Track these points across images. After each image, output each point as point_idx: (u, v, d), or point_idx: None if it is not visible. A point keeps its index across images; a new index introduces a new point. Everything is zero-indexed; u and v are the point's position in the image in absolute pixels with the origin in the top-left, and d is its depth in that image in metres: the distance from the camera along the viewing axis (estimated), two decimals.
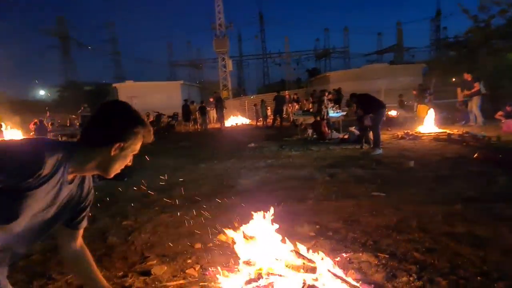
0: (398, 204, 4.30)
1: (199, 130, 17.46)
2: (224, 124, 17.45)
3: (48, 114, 16.00)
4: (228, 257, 2.90)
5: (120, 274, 2.87)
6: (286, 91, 23.76)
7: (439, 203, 4.19)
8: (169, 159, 9.00)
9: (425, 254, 2.92)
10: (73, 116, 15.65)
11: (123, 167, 1.53)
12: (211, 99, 17.52)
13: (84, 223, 1.70)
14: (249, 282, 2.43)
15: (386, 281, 2.54)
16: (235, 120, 20.85)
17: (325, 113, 11.63)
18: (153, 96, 29.67)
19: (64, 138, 13.70)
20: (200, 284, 2.62)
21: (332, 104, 13.22)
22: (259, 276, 2.46)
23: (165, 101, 28.75)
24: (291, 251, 2.53)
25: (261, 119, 17.62)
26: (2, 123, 13.89)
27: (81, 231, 1.70)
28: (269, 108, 18.49)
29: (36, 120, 13.03)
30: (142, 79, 34.75)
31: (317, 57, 63.71)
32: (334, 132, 11.42)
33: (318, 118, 11.42)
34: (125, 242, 3.57)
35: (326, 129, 11.40)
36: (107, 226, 4.07)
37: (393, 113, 16.64)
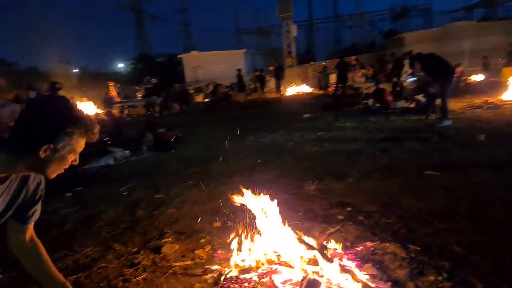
0: (452, 185, 3.75)
1: (256, 99, 17.32)
2: (282, 93, 17.06)
3: (112, 85, 16.83)
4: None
5: (134, 250, 2.88)
6: (353, 57, 22.32)
7: (502, 188, 3.55)
8: (220, 130, 9.01)
9: (466, 248, 2.47)
10: (136, 88, 16.50)
11: (64, 168, 1.42)
12: (270, 68, 17.12)
13: (34, 218, 1.64)
14: (247, 271, 2.26)
15: (408, 278, 2.18)
16: (297, 88, 20.25)
17: (400, 80, 10.63)
18: (217, 65, 30.00)
19: (127, 110, 14.59)
20: (206, 266, 2.52)
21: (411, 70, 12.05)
22: (257, 266, 2.28)
23: (229, 70, 28.95)
24: (296, 238, 2.29)
25: (323, 87, 16.89)
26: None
27: (31, 225, 1.65)
28: (332, 75, 17.60)
29: (109, 93, 14.00)
30: (209, 49, 35.19)
31: (394, 17, 58.45)
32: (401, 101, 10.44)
33: (386, 86, 10.52)
34: (150, 216, 3.60)
35: (390, 97, 10.49)
36: (140, 199, 4.16)
37: (477, 77, 14.78)
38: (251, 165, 5.27)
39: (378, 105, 10.53)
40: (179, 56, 32.89)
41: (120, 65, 55.52)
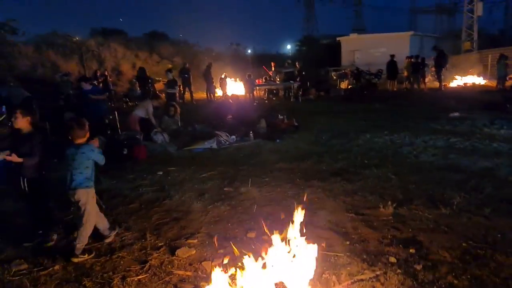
0: None
1: (407, 90, 15.32)
2: (444, 85, 14.56)
3: (274, 66, 17.29)
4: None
5: (159, 244, 2.91)
6: None
7: None
8: (344, 122, 8.35)
9: None
10: (278, 70, 16.75)
11: None
12: (436, 50, 14.72)
13: None
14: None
15: None
16: (466, 79, 16.96)
17: None
18: (377, 49, 27.95)
19: (263, 92, 14.97)
20: (200, 283, 2.32)
21: None
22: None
23: (393, 53, 26.53)
24: None
25: (498, 79, 13.61)
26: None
27: None
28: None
29: (248, 74, 14.73)
30: (381, 30, 32.75)
31: None
32: None
33: None
34: (203, 210, 3.58)
35: None
36: (209, 189, 4.18)
37: None
38: (340, 170, 4.66)
39: None
40: (337, 38, 31.94)
41: (288, 47, 57.49)
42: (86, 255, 2.75)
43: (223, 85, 16.08)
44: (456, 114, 8.48)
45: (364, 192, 3.81)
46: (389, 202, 3.39)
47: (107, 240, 2.99)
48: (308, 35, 58.11)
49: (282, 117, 8.63)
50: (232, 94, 13.33)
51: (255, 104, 13.43)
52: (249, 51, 44.64)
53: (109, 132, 6.71)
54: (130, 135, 6.27)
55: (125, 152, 5.60)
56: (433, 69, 15.53)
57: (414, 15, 62.23)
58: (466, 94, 12.64)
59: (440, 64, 14.70)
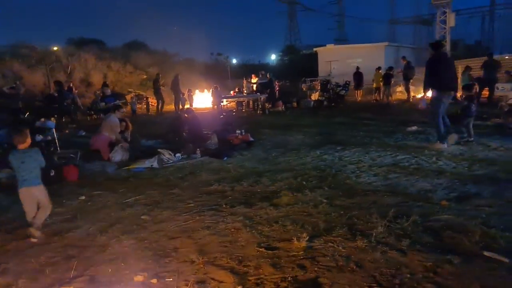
0: None
1: (376, 101, 15.33)
2: (412, 96, 14.59)
3: (244, 80, 17.23)
4: None
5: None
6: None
7: None
8: (300, 137, 8.15)
9: None
10: (248, 81, 16.54)
11: None
12: (403, 61, 14.73)
13: None
14: None
15: None
16: None
17: None
18: (353, 60, 28.15)
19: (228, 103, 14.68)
20: None
21: None
22: None
23: (367, 65, 26.72)
24: None
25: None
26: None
27: None
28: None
29: (215, 85, 14.51)
30: (361, 41, 32.90)
31: None
32: None
33: None
34: (102, 246, 3.23)
35: None
36: (124, 218, 3.84)
37: None
38: (273, 193, 4.39)
39: None
40: (314, 49, 32.12)
41: (273, 57, 57.34)
42: None
43: (190, 97, 15.80)
44: (414, 127, 8.38)
45: (286, 220, 3.53)
46: (305, 234, 3.11)
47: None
48: (290, 45, 58.60)
49: (239, 131, 8.39)
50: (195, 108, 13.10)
51: (221, 117, 13.17)
52: (234, 60, 44.45)
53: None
54: (63, 154, 5.89)
55: (52, 174, 5.21)
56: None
57: (393, 26, 63.47)
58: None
59: (407, 76, 14.75)
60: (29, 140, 3.52)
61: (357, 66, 15.36)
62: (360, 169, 5.29)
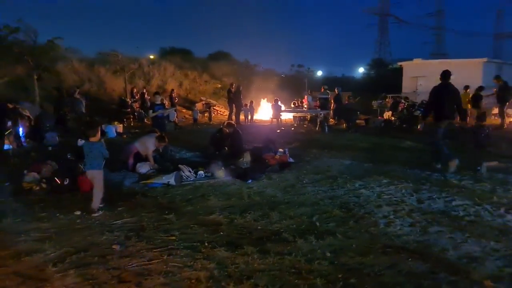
0: None
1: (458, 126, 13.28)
2: (507, 122, 12.31)
3: (306, 94, 16.59)
4: None
5: None
6: None
7: None
8: (345, 163, 7.17)
9: None
10: (312, 95, 15.58)
11: None
12: (497, 81, 12.51)
13: None
14: None
15: None
16: None
17: None
18: None
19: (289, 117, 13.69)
20: None
21: None
22: None
23: (460, 82, 23.82)
24: None
25: None
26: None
27: None
28: None
29: (276, 98, 13.96)
30: (462, 56, 29.71)
31: None
32: None
33: None
34: (45, 281, 2.87)
35: None
36: (95, 245, 3.47)
37: None
38: (273, 234, 3.66)
39: None
40: (399, 63, 29.80)
41: (361, 70, 55.01)
42: None
43: (251, 109, 15.49)
44: (494, 163, 6.80)
45: (262, 278, 2.79)
46: None
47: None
48: (377, 58, 55.65)
49: (282, 150, 7.73)
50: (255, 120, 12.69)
51: (278, 131, 12.59)
52: (319, 72, 43.66)
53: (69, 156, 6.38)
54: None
55: (66, 182, 5.16)
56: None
57: (498, 41, 56.62)
58: None
59: (503, 98, 12.53)
60: (98, 135, 4.46)
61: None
62: (397, 213, 4.25)
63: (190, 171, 5.86)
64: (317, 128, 12.58)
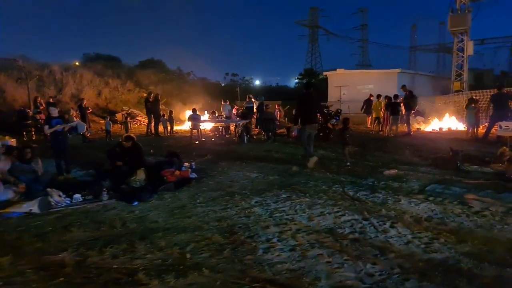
0: None
1: (377, 133, 13.90)
2: (414, 129, 13.01)
3: (223, 102, 16.40)
4: None
5: None
6: None
7: None
8: (254, 176, 6.81)
9: None
10: (235, 105, 15.43)
11: None
12: (404, 91, 13.25)
13: None
14: None
15: None
16: (446, 123, 15.35)
17: None
18: (364, 86, 26.86)
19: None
20: None
21: None
22: None
23: (380, 91, 25.20)
24: None
25: (468, 126, 11.91)
26: None
27: None
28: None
29: (193, 107, 13.45)
30: (383, 67, 31.42)
31: None
32: None
33: None
34: None
35: None
36: None
37: None
38: (127, 275, 3.08)
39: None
40: (324, 73, 30.93)
41: (296, 80, 56.31)
42: None
43: (167, 120, 14.76)
44: (393, 171, 6.91)
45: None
46: None
47: None
48: (309, 68, 57.55)
49: (188, 165, 7.19)
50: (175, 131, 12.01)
51: (196, 143, 12.01)
52: (257, 82, 43.76)
53: None
54: None
55: None
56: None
57: (414, 53, 61.65)
58: (432, 142, 11.07)
59: (409, 106, 13.24)
60: None
61: (370, 94, 14.38)
62: (282, 235, 3.90)
63: (60, 195, 5.04)
64: (234, 139, 12.21)
